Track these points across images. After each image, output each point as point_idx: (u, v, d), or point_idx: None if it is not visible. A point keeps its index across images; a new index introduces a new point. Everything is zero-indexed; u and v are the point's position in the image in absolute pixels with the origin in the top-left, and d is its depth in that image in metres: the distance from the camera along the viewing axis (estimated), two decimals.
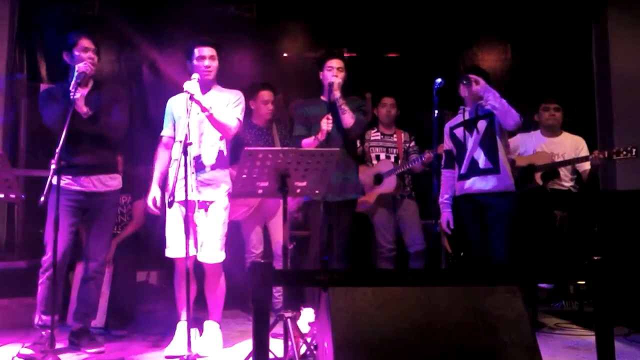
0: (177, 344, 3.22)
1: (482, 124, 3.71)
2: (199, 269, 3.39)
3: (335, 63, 3.68)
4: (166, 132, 3.50)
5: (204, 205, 3.33)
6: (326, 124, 3.47)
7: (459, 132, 3.83)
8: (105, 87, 3.46)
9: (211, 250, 3.30)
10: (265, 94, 4.29)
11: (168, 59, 5.13)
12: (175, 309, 3.63)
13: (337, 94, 3.53)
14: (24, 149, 4.89)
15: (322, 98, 3.84)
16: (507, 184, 3.66)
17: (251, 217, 4.20)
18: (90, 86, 3.40)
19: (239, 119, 3.42)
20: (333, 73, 3.63)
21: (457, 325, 2.03)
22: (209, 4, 5.32)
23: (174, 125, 3.46)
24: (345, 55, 3.98)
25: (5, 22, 4.88)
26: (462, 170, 3.77)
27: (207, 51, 3.37)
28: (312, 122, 3.76)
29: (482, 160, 3.68)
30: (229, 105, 3.42)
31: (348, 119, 3.58)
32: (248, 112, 4.37)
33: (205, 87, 3.39)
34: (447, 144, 3.93)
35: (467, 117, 3.79)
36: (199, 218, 3.32)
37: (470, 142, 3.74)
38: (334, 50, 3.89)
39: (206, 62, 3.36)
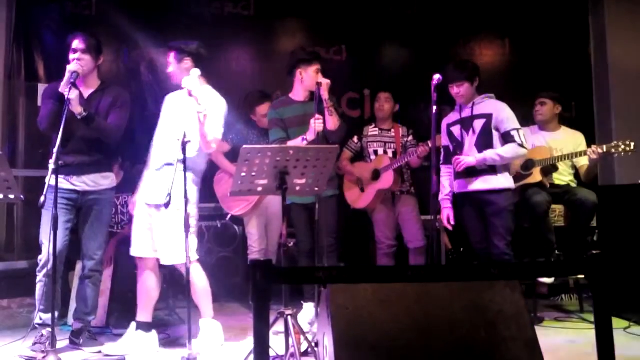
0: (125, 344, 3.26)
1: (478, 124, 3.72)
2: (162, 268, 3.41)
3: (319, 65, 3.71)
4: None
5: (158, 208, 3.22)
6: (316, 124, 3.42)
7: (456, 130, 3.84)
8: (109, 90, 3.46)
9: (168, 252, 3.21)
10: (264, 108, 4.22)
11: (166, 58, 5.11)
12: (174, 308, 3.65)
13: (326, 95, 3.49)
14: (22, 149, 4.89)
15: (293, 97, 3.83)
16: (505, 184, 3.68)
17: (253, 213, 4.20)
18: (97, 87, 3.42)
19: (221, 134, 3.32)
20: (320, 75, 3.60)
21: (456, 320, 2.04)
22: (207, 1, 5.32)
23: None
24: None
25: (2, 22, 4.87)
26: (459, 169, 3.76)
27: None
28: (287, 125, 3.74)
29: None
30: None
31: (334, 121, 3.54)
32: (250, 120, 4.36)
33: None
34: (445, 140, 3.93)
35: (463, 115, 3.80)
36: (155, 220, 3.27)
37: (467, 142, 3.75)
38: (319, 53, 3.93)
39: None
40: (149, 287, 3.33)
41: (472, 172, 3.70)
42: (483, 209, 3.71)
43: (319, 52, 4.09)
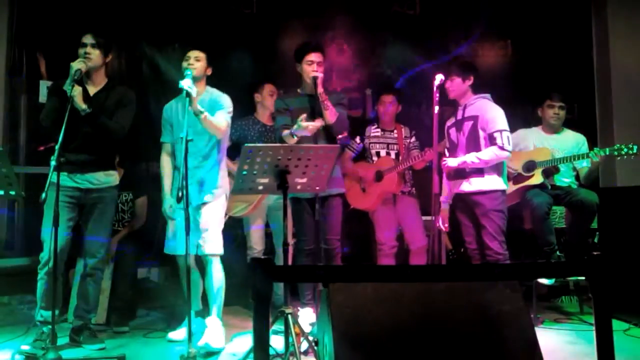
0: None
1: (467, 126, 3.75)
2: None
3: (315, 57, 3.52)
4: (167, 138, 3.61)
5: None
6: (310, 125, 3.34)
7: (453, 132, 3.87)
8: (115, 89, 3.46)
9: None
10: (271, 87, 4.39)
11: (167, 56, 5.12)
12: (175, 304, 3.66)
13: (320, 89, 3.43)
14: (23, 146, 4.89)
15: (299, 91, 3.69)
16: (492, 185, 3.67)
17: (252, 214, 4.20)
18: (103, 85, 3.42)
19: (227, 121, 3.50)
20: (313, 67, 3.50)
21: (456, 320, 2.04)
22: (208, 0, 5.31)
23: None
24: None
25: (4, 20, 4.87)
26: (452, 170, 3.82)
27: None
28: (293, 115, 3.56)
29: None
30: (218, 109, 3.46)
31: (331, 115, 3.46)
32: (252, 107, 4.38)
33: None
34: (447, 142, 3.96)
35: (458, 116, 3.83)
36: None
37: (460, 143, 3.78)
38: (313, 42, 3.67)
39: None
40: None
41: (461, 174, 3.74)
42: (473, 210, 3.73)
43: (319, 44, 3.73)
